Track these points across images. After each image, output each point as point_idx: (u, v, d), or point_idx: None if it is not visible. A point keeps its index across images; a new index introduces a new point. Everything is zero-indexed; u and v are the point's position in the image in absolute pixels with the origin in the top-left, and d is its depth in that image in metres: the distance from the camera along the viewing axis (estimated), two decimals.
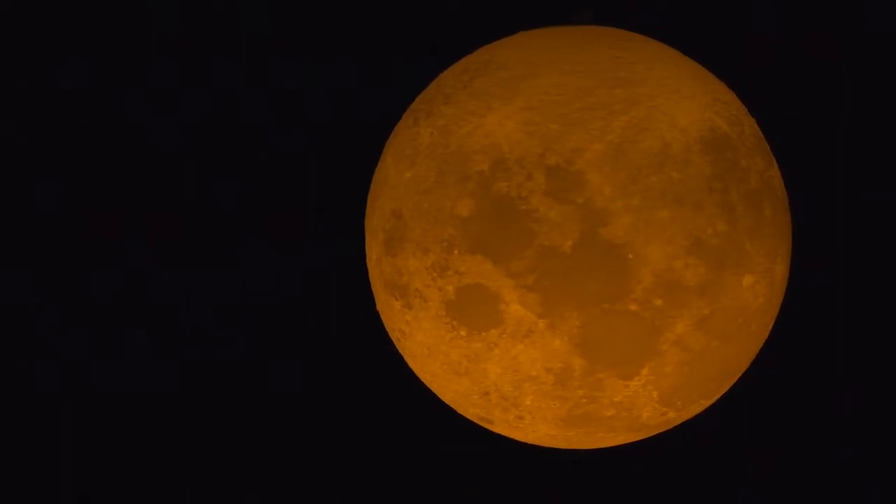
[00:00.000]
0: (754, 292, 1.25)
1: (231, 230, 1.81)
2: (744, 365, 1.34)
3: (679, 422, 1.35)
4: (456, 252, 1.21)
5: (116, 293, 1.83)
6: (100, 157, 1.80)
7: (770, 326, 1.34)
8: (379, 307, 1.36)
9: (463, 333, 1.23)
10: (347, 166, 1.70)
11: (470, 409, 1.33)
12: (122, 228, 1.81)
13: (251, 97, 1.78)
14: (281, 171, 1.79)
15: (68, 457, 1.87)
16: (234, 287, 1.82)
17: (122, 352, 1.85)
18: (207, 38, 1.76)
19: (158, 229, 1.80)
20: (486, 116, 1.22)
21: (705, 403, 1.35)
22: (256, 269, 1.82)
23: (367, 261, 1.36)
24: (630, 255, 1.17)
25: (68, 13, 1.75)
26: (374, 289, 1.36)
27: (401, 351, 1.37)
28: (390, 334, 1.36)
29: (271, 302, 1.83)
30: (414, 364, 1.36)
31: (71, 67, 1.77)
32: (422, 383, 1.37)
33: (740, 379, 1.36)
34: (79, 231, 1.82)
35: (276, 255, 1.81)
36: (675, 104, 1.22)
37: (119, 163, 1.80)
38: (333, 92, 1.77)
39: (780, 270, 1.30)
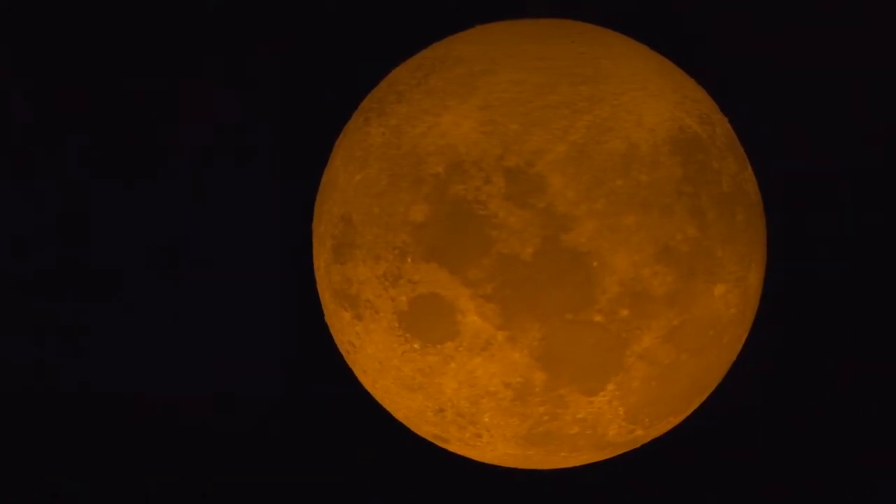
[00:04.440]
0: (726, 302, 1.22)
1: (173, 235, 1.79)
2: (715, 380, 1.32)
3: (647, 440, 1.32)
4: (409, 260, 1.18)
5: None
6: None
7: (743, 339, 1.32)
8: (327, 318, 1.33)
9: (417, 346, 1.20)
10: (293, 168, 1.69)
11: (424, 426, 1.31)
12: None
13: (190, 95, 1.76)
14: (222, 174, 1.77)
15: None
16: (174, 297, 1.81)
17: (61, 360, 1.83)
18: (141, 32, 1.75)
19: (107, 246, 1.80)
20: (441, 115, 1.19)
21: (674, 420, 1.33)
22: (197, 276, 1.80)
23: (315, 269, 1.34)
24: (594, 263, 1.14)
25: None
26: (322, 299, 1.33)
27: (351, 365, 1.34)
28: (339, 347, 1.33)
29: (212, 312, 1.81)
30: (365, 379, 1.33)
31: None
32: (373, 399, 1.35)
33: (711, 395, 1.34)
34: None
35: (217, 263, 1.79)
36: (641, 102, 1.20)
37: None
38: (277, 89, 1.75)
39: (754, 279, 1.27)
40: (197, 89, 1.75)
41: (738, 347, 1.31)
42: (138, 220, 1.77)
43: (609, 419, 1.22)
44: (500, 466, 1.34)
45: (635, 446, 1.32)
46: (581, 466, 1.34)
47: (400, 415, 1.32)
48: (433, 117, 1.19)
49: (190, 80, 1.74)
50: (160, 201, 1.77)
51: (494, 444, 1.26)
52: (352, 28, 1.72)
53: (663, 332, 1.18)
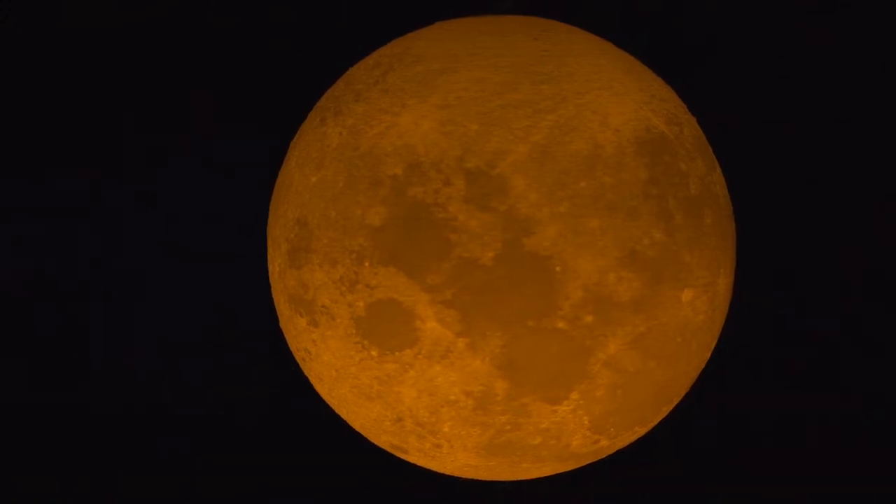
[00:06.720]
0: (694, 308, 1.20)
1: (125, 240, 1.78)
2: (683, 388, 1.30)
3: (612, 451, 1.30)
4: (367, 264, 1.15)
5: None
6: None
7: (712, 346, 1.30)
8: (282, 324, 1.31)
9: (374, 354, 1.18)
10: (247, 170, 1.69)
11: (382, 436, 1.28)
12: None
13: (142, 92, 1.75)
14: (175, 175, 1.76)
15: None
16: (126, 301, 1.80)
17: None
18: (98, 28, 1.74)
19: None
20: (399, 115, 1.17)
21: (641, 431, 1.30)
22: (147, 279, 1.79)
23: (269, 274, 1.31)
24: (558, 268, 1.11)
25: None
26: (276, 304, 1.31)
27: (306, 373, 1.31)
28: (294, 354, 1.31)
29: (165, 318, 1.80)
30: (321, 387, 1.30)
31: None
32: (329, 408, 1.33)
33: (679, 404, 1.32)
34: None
35: (168, 266, 1.78)
36: (606, 101, 1.17)
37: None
38: (231, 88, 1.73)
39: (723, 284, 1.26)
40: (150, 90, 1.74)
41: (707, 355, 1.29)
42: (92, 221, 1.77)
43: (573, 429, 1.20)
44: (460, 478, 1.32)
45: (600, 457, 1.30)
46: (545, 478, 1.32)
47: (357, 424, 1.30)
48: (391, 117, 1.17)
49: (144, 81, 1.74)
50: (114, 203, 1.77)
51: (455, 455, 1.24)
52: (308, 25, 1.70)
53: (629, 338, 1.15)
